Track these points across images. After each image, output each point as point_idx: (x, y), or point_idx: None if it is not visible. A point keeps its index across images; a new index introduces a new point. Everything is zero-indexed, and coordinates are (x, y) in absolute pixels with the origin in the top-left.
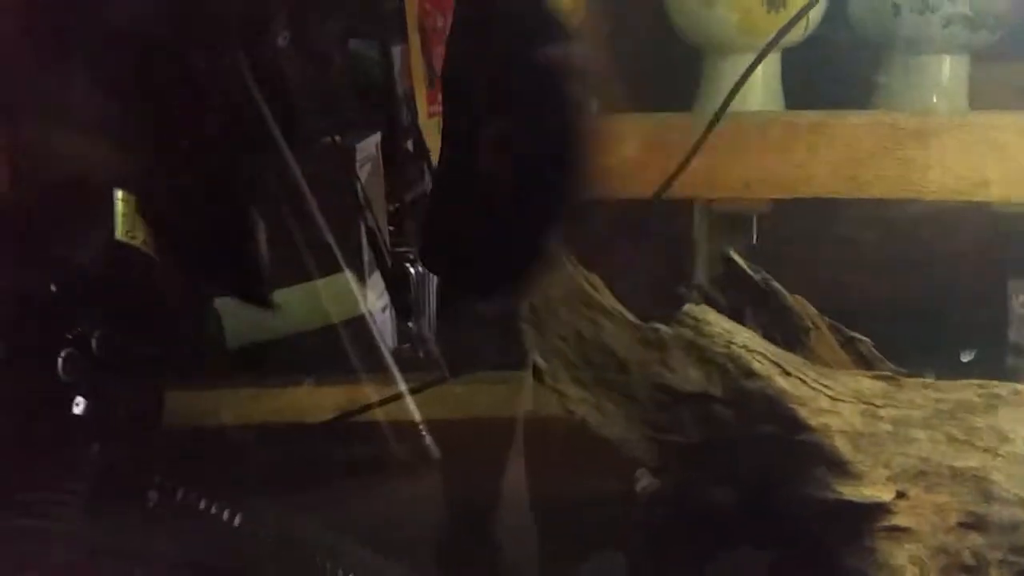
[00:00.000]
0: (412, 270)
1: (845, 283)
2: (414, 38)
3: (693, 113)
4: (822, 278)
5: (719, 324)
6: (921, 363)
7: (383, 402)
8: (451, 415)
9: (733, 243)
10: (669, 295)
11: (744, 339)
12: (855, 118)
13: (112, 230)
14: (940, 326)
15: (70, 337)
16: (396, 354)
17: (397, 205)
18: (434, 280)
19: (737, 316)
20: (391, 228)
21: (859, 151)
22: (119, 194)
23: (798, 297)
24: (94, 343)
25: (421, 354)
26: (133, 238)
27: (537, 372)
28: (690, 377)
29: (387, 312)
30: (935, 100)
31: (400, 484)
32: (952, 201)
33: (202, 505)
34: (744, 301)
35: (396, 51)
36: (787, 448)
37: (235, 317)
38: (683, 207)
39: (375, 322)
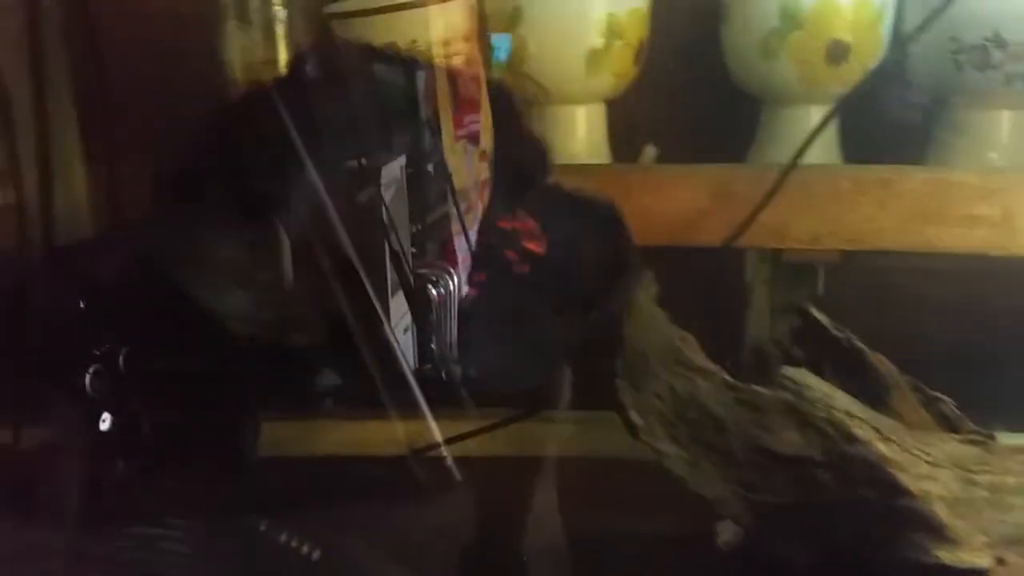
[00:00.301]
0: (434, 291)
1: (910, 336)
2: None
3: (749, 162)
4: (887, 331)
5: (819, 388)
6: (990, 419)
7: (459, 438)
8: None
9: (796, 293)
10: (731, 345)
11: (844, 404)
12: (922, 174)
13: None
14: (1007, 381)
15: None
16: (418, 375)
17: (419, 226)
18: (456, 302)
19: (815, 372)
20: (413, 250)
21: (927, 207)
22: None
23: (879, 355)
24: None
25: (444, 375)
26: None
27: (632, 428)
28: (789, 440)
29: (408, 333)
30: (994, 156)
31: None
32: (1018, 257)
33: (283, 538)
34: (820, 355)
35: (420, 75)
36: (886, 512)
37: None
38: (733, 255)
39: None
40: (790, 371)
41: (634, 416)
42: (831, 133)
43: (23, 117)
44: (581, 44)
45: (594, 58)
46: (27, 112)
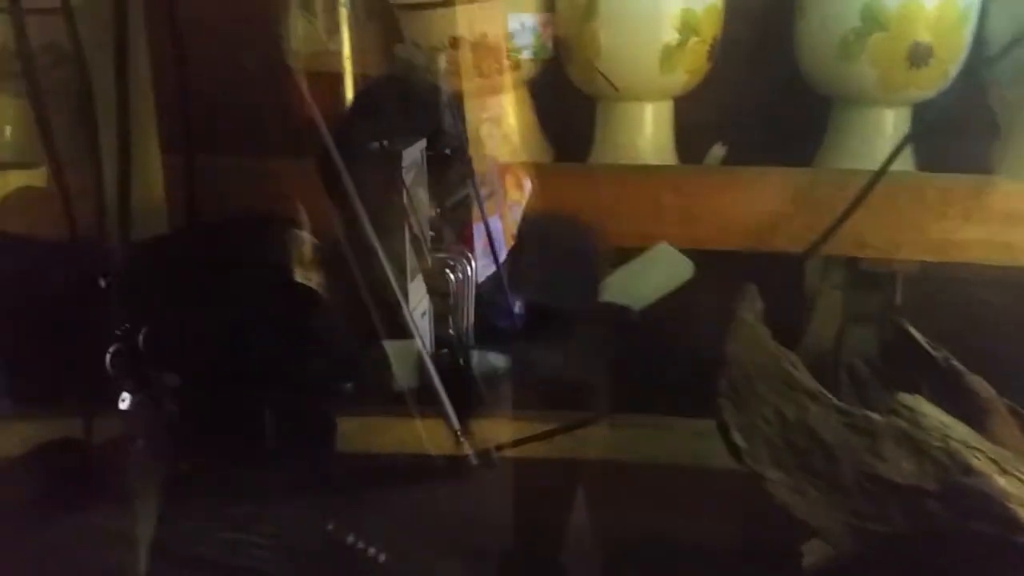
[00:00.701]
0: (451, 276)
1: (989, 351)
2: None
3: (816, 164)
4: (966, 344)
5: (936, 417)
6: None
7: (536, 437)
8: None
9: (872, 301)
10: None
11: (962, 434)
12: (1011, 186)
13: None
14: None
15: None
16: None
17: (438, 210)
18: (473, 286)
19: (910, 393)
20: (432, 233)
21: (1015, 218)
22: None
23: (979, 378)
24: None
25: (461, 361)
26: (309, 279)
27: (735, 450)
28: (902, 469)
29: (426, 317)
30: None
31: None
32: None
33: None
34: (915, 374)
35: (441, 56)
36: (1001, 548)
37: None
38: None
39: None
40: (906, 398)
41: (737, 438)
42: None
43: (107, 107)
44: (655, 40)
45: (668, 54)
46: (109, 102)
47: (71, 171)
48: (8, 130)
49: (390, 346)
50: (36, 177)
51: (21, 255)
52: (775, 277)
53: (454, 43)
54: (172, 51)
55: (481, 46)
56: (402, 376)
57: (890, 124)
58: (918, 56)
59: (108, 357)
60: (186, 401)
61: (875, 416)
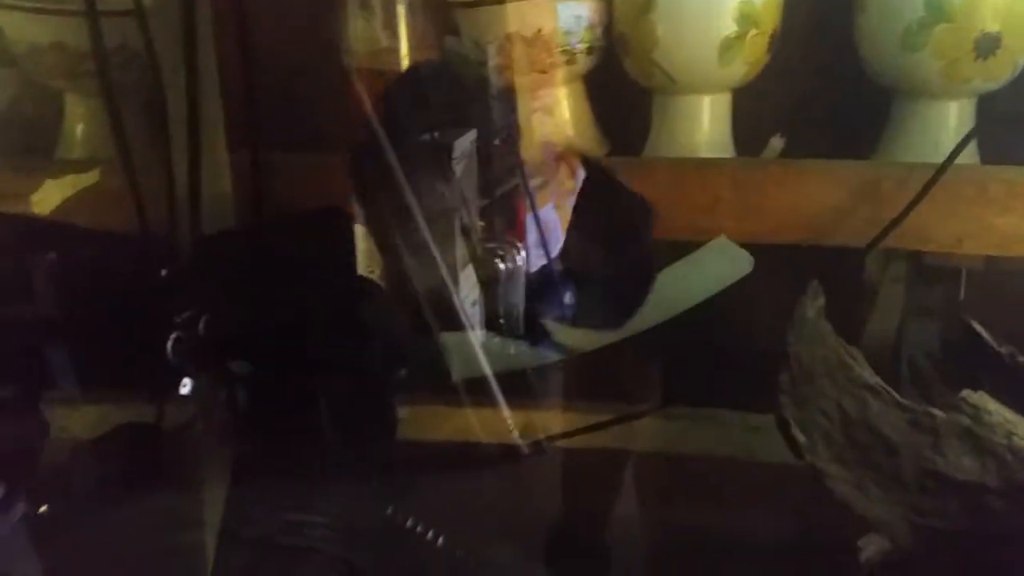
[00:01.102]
0: (502, 266)
1: None
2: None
3: (877, 157)
4: None
5: (1000, 414)
6: None
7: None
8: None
9: (935, 295)
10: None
11: None
12: None
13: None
14: None
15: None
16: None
17: (488, 201)
18: (523, 275)
19: (975, 388)
20: (482, 224)
21: None
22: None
23: None
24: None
25: (512, 350)
26: (372, 272)
27: (795, 446)
28: (963, 465)
29: (476, 307)
30: None
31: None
32: None
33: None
34: (979, 371)
35: (492, 48)
36: None
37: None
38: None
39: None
40: (971, 395)
41: (797, 433)
42: (968, 129)
43: (177, 108)
44: (714, 31)
45: (727, 46)
46: (179, 102)
47: (140, 169)
48: (80, 128)
49: (443, 336)
50: (107, 174)
51: (93, 247)
52: (836, 272)
53: (509, 39)
54: (238, 51)
55: (536, 40)
56: (455, 365)
57: (954, 116)
58: (985, 47)
59: (169, 344)
60: (247, 387)
61: (937, 412)
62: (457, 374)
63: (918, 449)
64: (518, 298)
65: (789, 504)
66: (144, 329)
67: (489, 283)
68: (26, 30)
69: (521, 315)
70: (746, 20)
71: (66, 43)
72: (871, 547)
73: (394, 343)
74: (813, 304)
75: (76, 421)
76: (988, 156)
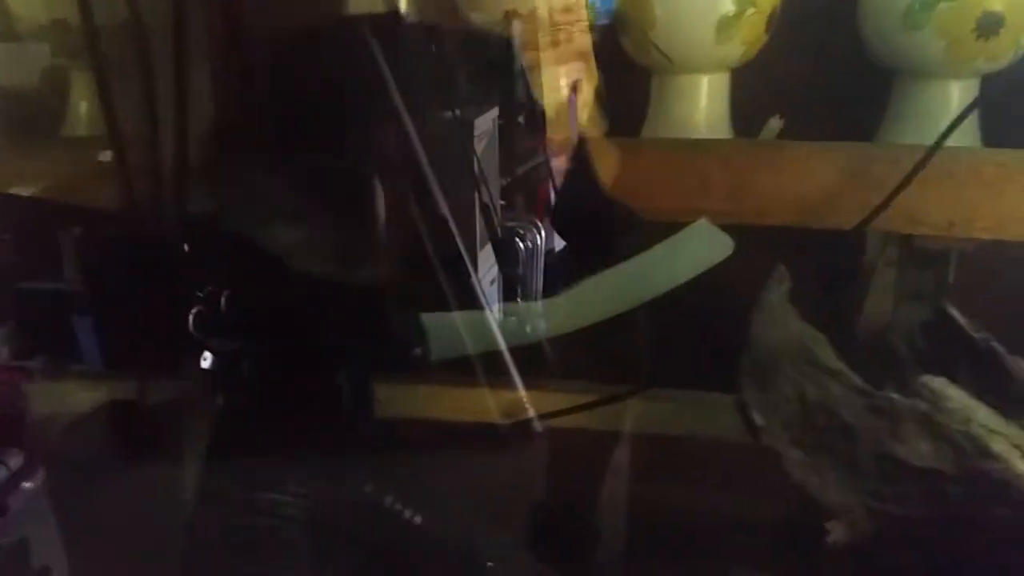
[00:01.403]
0: (521, 245)
1: None
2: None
3: (879, 139)
4: (1020, 325)
5: (959, 400)
6: None
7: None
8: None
9: (925, 279)
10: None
11: (984, 418)
12: None
13: None
14: None
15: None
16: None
17: (508, 179)
18: (542, 255)
19: (948, 374)
20: (502, 202)
21: None
22: None
23: (1021, 360)
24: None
25: (529, 329)
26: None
27: (754, 429)
28: (921, 451)
29: (495, 285)
30: None
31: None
32: None
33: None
34: (954, 356)
35: (516, 23)
36: (1021, 532)
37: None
38: (856, 235)
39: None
40: (931, 381)
41: (756, 417)
42: (972, 113)
43: (166, 85)
44: (712, 10)
45: (724, 25)
46: (168, 80)
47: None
48: (84, 106)
49: (424, 317)
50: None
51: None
52: (828, 254)
53: (521, 15)
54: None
55: (556, 10)
56: (469, 343)
57: (956, 97)
58: (988, 26)
59: (191, 318)
60: (258, 363)
61: (897, 397)
62: (436, 354)
63: (876, 434)
64: (537, 276)
65: (774, 485)
66: (161, 303)
67: (508, 261)
68: (29, 7)
69: (540, 293)
70: None
71: (69, 21)
72: (839, 530)
73: (406, 321)
74: (778, 288)
75: (65, 398)
76: (991, 139)
